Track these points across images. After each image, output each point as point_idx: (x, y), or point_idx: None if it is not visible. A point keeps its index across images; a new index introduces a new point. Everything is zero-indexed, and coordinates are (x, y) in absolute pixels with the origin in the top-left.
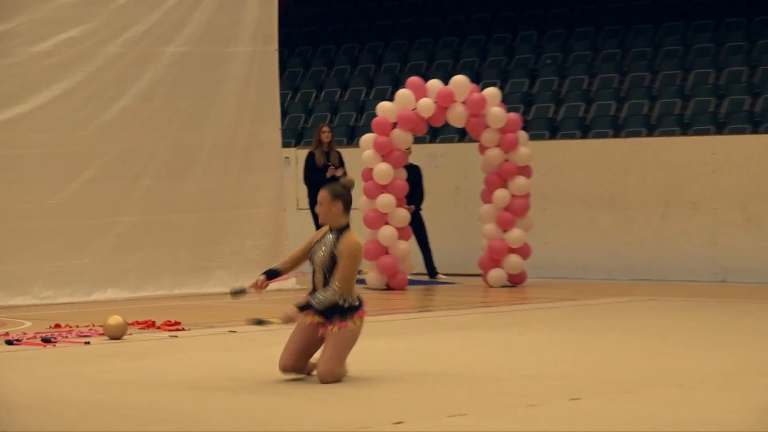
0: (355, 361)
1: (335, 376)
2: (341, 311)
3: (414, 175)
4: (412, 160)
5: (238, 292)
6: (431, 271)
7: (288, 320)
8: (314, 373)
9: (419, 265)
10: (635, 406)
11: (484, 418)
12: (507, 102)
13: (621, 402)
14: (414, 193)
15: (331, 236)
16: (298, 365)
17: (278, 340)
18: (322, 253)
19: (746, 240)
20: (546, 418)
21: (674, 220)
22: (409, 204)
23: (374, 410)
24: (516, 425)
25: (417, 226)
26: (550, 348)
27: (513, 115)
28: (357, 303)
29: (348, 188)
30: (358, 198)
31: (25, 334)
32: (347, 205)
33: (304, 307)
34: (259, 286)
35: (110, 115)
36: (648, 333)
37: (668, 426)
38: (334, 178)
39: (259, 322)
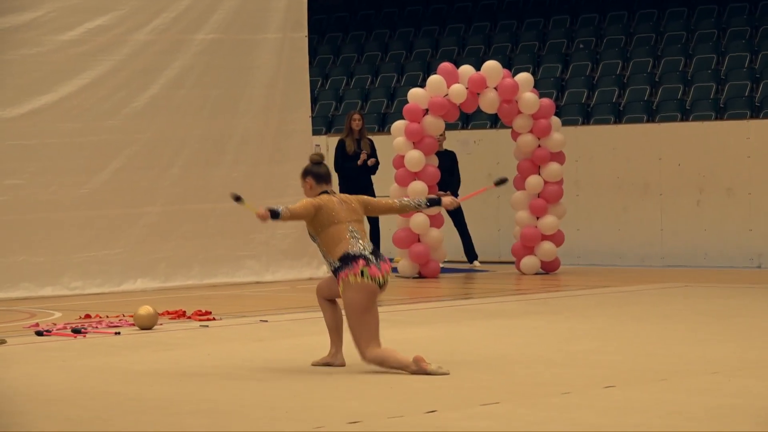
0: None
1: (365, 359)
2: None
3: (449, 161)
4: (446, 146)
5: (237, 198)
6: (471, 256)
7: (262, 218)
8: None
9: (452, 253)
10: (670, 394)
11: (518, 406)
12: (539, 87)
13: (655, 390)
14: (450, 179)
15: (335, 197)
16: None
17: (310, 330)
18: (346, 207)
19: None
20: (580, 406)
21: (709, 205)
22: (444, 190)
23: (407, 399)
24: (550, 413)
25: (455, 212)
26: (584, 335)
27: (545, 101)
28: (337, 264)
29: (313, 161)
30: (390, 185)
31: (54, 324)
32: (318, 177)
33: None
34: (262, 216)
35: (139, 104)
36: (683, 320)
37: (704, 414)
38: (366, 166)
39: (237, 199)
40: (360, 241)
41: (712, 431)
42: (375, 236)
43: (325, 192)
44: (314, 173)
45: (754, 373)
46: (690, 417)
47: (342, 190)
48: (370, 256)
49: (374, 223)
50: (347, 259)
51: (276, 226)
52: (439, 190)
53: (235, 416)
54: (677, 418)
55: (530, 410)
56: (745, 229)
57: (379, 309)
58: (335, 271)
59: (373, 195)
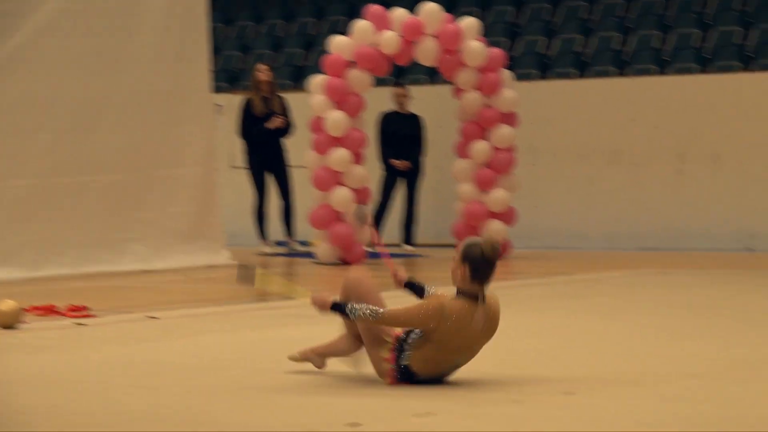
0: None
1: None
2: None
3: (412, 125)
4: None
5: (359, 216)
6: (407, 237)
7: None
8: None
9: (385, 235)
10: (640, 401)
11: (457, 417)
12: (488, 35)
13: (623, 396)
14: (413, 147)
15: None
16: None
17: (207, 327)
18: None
19: None
20: (531, 417)
21: (691, 176)
22: (405, 159)
23: (324, 412)
24: (495, 427)
25: (410, 187)
26: (539, 333)
27: (495, 51)
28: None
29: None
30: (306, 153)
31: None
32: (475, 271)
33: None
34: (397, 279)
35: (1, 56)
36: (658, 313)
37: (680, 425)
38: (277, 130)
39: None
40: None
41: None
42: (287, 215)
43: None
44: (475, 263)
45: (741, 377)
46: (664, 429)
47: (249, 159)
48: None
49: (286, 197)
50: None
51: (168, 202)
52: (400, 159)
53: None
54: (648, 429)
55: (470, 421)
56: (733, 204)
57: (293, 303)
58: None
59: (285, 164)
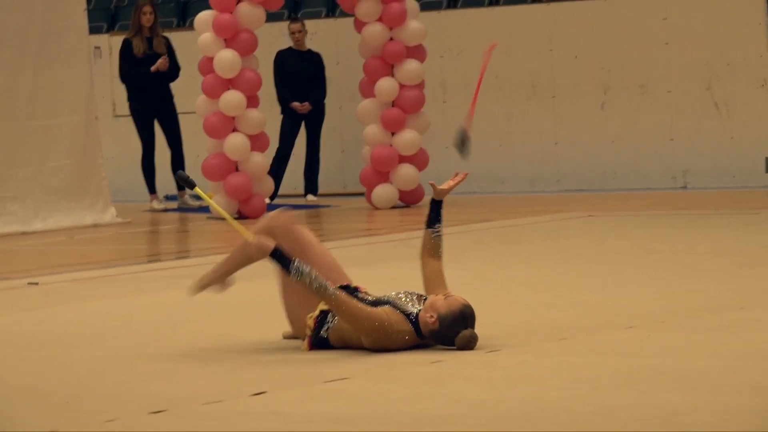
0: (200, 316)
1: None
2: None
3: (313, 64)
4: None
5: (185, 182)
6: (310, 187)
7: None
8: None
9: (286, 184)
10: (571, 356)
11: (372, 381)
12: None
13: (553, 352)
14: (313, 87)
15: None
16: None
17: (95, 293)
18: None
19: (712, 132)
20: (455, 377)
21: (617, 109)
22: (305, 101)
23: (230, 379)
24: (415, 389)
25: (311, 131)
26: (458, 285)
27: None
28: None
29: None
30: (196, 97)
31: None
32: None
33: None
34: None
35: None
36: (586, 260)
37: (615, 380)
38: (162, 74)
39: (186, 182)
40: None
41: (626, 403)
42: (178, 163)
43: None
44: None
45: (680, 325)
46: (597, 385)
47: (133, 106)
48: None
49: (175, 146)
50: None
51: (46, 156)
52: (301, 101)
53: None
54: (581, 386)
55: (388, 385)
56: (664, 137)
57: (187, 262)
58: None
59: (172, 110)
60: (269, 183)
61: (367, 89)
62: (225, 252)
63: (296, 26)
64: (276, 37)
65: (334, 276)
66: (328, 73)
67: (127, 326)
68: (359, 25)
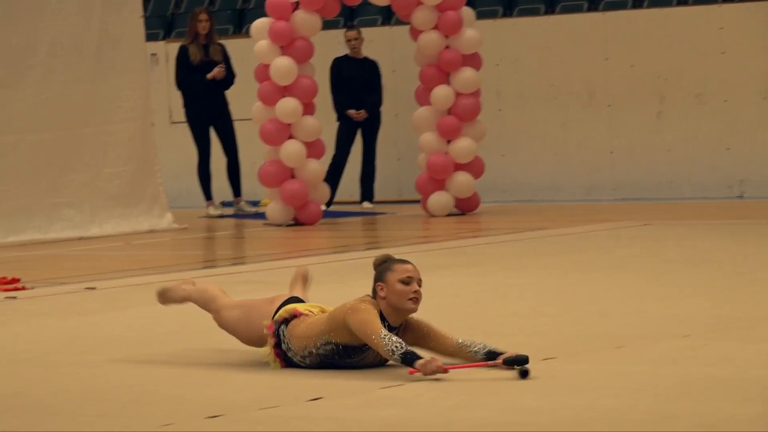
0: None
1: None
2: None
3: (369, 71)
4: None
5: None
6: (366, 195)
7: None
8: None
9: (342, 191)
10: (627, 365)
11: (428, 390)
12: None
13: (609, 361)
14: (369, 95)
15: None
16: None
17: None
18: None
19: None
20: (511, 385)
21: (673, 118)
22: (362, 109)
23: (287, 385)
24: (470, 396)
25: (367, 139)
26: (513, 294)
27: None
28: None
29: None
30: (252, 105)
31: None
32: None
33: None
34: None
35: None
36: (642, 269)
37: (671, 389)
38: (218, 81)
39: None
40: None
41: (684, 412)
42: (234, 173)
43: None
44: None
45: (735, 335)
46: (654, 393)
47: (189, 113)
48: None
49: (231, 153)
50: None
51: (103, 162)
52: (355, 108)
53: (57, 414)
54: (637, 395)
55: (443, 393)
56: (720, 147)
57: (242, 268)
58: None
59: (228, 117)
60: (325, 190)
61: (423, 97)
62: (281, 258)
63: (352, 33)
64: (332, 45)
65: (257, 314)
66: (384, 80)
67: (183, 331)
68: (415, 33)
